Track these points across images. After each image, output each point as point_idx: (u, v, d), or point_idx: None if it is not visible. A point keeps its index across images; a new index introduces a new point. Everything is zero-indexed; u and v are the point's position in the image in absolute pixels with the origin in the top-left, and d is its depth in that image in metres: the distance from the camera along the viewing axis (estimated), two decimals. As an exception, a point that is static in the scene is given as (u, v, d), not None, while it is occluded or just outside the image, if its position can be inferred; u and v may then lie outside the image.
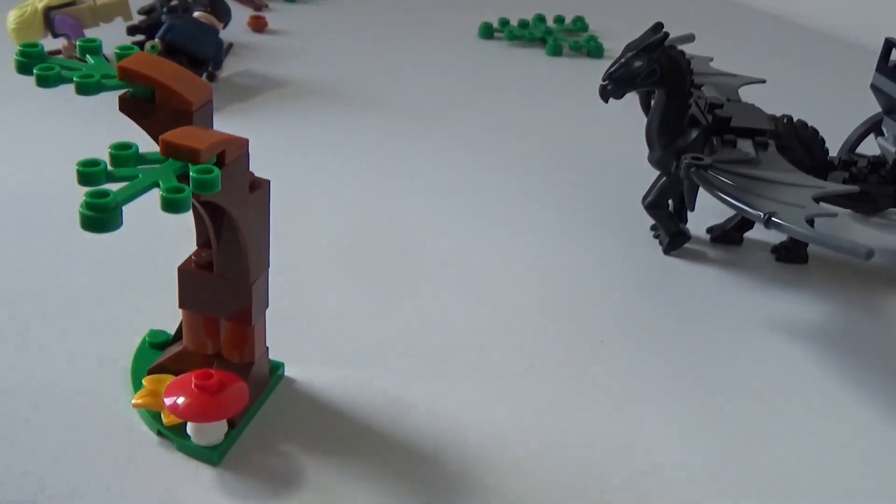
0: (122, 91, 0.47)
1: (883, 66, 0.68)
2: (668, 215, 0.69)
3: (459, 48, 1.01)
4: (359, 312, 0.61)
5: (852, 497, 0.51)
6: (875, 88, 0.69)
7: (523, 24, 1.05)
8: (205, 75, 0.85)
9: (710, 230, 0.72)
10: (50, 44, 0.87)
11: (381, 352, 0.58)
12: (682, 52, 0.65)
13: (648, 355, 0.60)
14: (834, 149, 0.74)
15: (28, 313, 0.57)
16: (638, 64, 0.63)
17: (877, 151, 0.73)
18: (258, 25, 0.99)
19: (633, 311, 0.64)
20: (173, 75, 0.47)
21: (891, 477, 0.52)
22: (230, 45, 0.90)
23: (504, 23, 1.04)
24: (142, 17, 0.93)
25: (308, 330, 0.59)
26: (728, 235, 0.71)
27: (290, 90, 0.88)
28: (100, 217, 0.38)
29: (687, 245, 0.70)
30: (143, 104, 0.47)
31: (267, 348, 0.53)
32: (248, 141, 0.46)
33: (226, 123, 0.79)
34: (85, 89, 0.47)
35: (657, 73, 0.64)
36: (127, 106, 0.47)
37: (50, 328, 0.57)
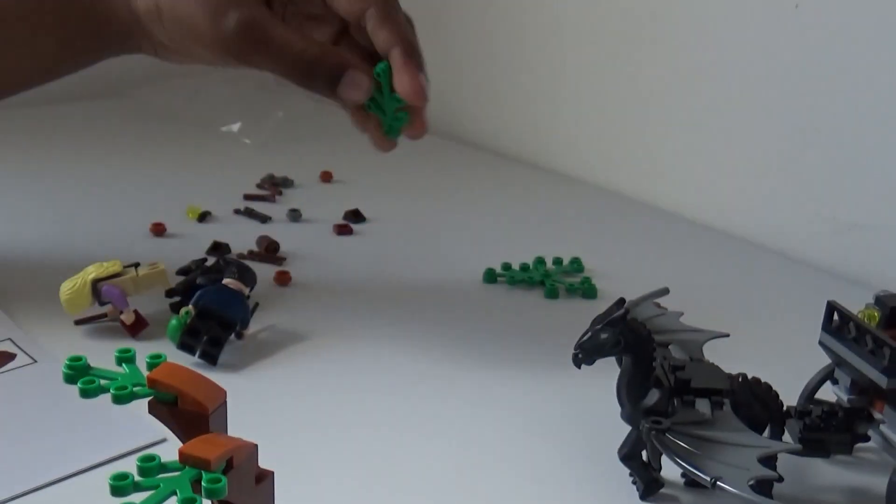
0: (151, 397, 0.57)
1: (827, 326, 0.77)
2: (641, 465, 0.77)
3: (465, 293, 1.11)
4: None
5: None
6: (823, 345, 0.77)
7: (524, 267, 1.15)
8: (233, 335, 0.95)
9: (683, 474, 0.79)
10: (96, 309, 0.99)
11: None
12: (643, 324, 0.74)
13: None
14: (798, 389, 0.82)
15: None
16: (604, 336, 0.72)
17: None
18: (282, 280, 1.10)
19: (610, 559, 0.71)
20: (193, 383, 0.57)
21: None
22: (256, 305, 1.00)
23: (506, 267, 1.15)
24: (179, 278, 1.04)
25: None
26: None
27: (310, 344, 0.98)
28: (127, 526, 0.47)
29: (663, 490, 0.77)
30: (168, 407, 0.56)
31: None
32: (254, 445, 0.55)
33: (250, 379, 0.89)
34: (119, 399, 0.56)
35: (621, 344, 0.72)
36: (154, 409, 0.57)
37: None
